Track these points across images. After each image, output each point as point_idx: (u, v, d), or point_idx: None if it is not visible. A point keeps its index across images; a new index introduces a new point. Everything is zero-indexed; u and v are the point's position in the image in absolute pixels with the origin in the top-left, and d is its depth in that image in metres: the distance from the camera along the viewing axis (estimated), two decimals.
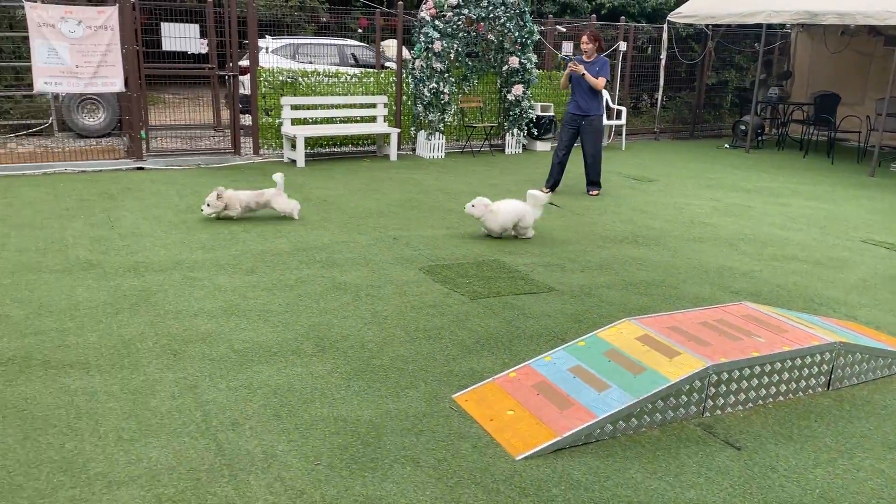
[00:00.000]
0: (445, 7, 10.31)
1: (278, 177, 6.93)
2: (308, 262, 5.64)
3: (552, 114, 11.88)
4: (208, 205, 6.77)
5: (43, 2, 8.33)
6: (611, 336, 3.83)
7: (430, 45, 10.36)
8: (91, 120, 11.15)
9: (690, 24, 13.56)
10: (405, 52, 11.07)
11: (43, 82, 8.34)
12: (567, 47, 12.96)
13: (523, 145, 11.93)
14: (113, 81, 8.63)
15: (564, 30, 13.02)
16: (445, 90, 10.56)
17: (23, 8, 8.21)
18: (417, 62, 10.55)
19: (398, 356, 4.05)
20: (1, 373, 3.67)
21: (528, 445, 3.13)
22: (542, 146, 12.06)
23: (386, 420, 3.37)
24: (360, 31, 17.28)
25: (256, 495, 2.78)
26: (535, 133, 11.88)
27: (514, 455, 3.10)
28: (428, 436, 3.25)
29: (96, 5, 8.84)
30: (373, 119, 10.60)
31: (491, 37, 11.08)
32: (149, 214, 6.93)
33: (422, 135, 10.85)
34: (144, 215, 6.89)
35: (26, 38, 8.36)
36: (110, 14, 8.44)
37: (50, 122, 11.18)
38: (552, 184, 8.68)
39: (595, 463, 3.08)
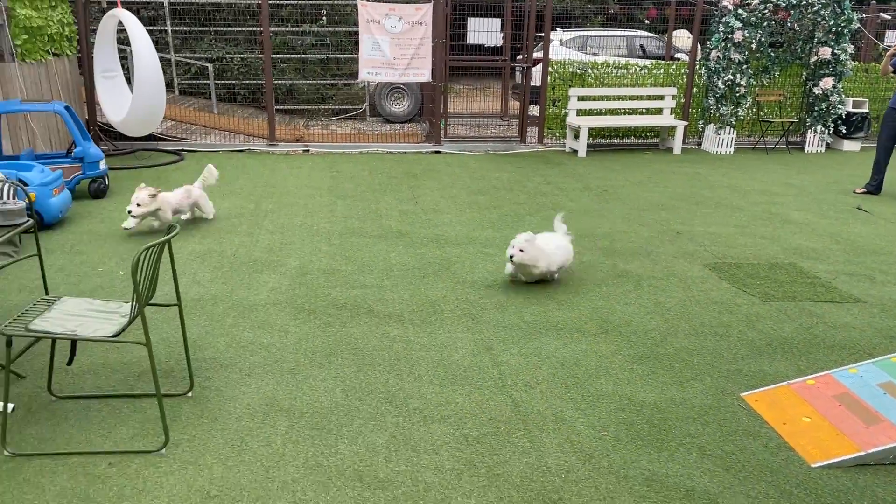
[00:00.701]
0: None
1: (211, 170, 6.38)
2: (590, 249, 5.82)
3: (866, 110, 10.63)
4: (138, 205, 5.65)
5: (371, 0, 9.51)
6: None
7: (729, 35, 9.88)
8: (397, 107, 12.48)
9: None
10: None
11: (366, 72, 9.55)
12: (891, 36, 11.47)
13: (827, 144, 10.85)
14: (422, 72, 9.59)
15: (889, 17, 11.53)
16: (742, 82, 10.01)
17: (354, 6, 9.46)
18: (714, 53, 10.12)
19: (682, 348, 4.06)
20: (337, 315, 4.40)
21: (826, 455, 2.99)
22: (850, 146, 10.85)
23: (671, 406, 3.43)
24: (647, 21, 16.96)
25: (549, 451, 3.04)
26: (844, 131, 10.73)
27: (810, 462, 2.99)
28: (714, 428, 3.25)
29: (414, 3, 9.87)
30: (659, 111, 10.42)
31: (797, 26, 10.22)
32: (446, 194, 7.63)
33: (710, 128, 10.42)
34: (442, 194, 7.61)
35: (349, 33, 9.60)
36: (426, 10, 9.37)
37: (364, 107, 12.74)
38: (875, 186, 7.91)
39: None
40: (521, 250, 4.74)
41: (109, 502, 2.64)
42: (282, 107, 11.95)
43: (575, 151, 10.05)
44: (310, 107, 12.46)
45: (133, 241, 5.72)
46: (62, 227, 6.03)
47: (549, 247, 4.91)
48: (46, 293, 3.93)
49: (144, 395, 3.39)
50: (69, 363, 3.27)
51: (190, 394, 3.42)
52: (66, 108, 6.80)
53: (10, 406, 3.13)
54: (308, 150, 9.85)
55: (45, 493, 2.68)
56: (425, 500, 2.71)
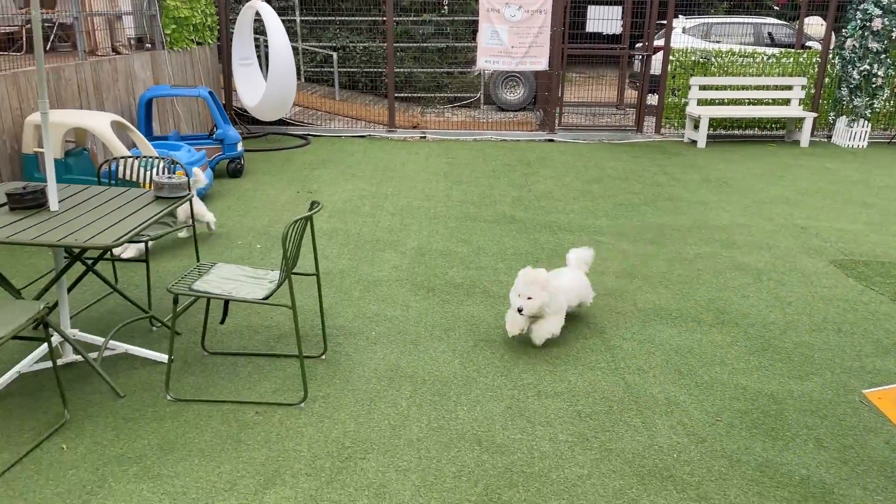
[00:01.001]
0: None
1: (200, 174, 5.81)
2: (707, 240, 5.75)
3: None
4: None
5: None
6: None
7: (867, 24, 9.33)
8: (511, 95, 12.59)
9: None
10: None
11: (484, 60, 9.72)
12: None
13: None
14: (539, 60, 9.66)
15: None
16: (879, 73, 9.43)
17: None
18: (849, 41, 9.59)
19: (802, 342, 4.00)
20: (455, 294, 4.62)
21: None
22: None
23: (788, 398, 3.42)
24: (776, 8, 16.17)
25: (660, 432, 3.13)
26: None
27: None
28: (832, 421, 3.22)
29: None
30: (786, 102, 10.00)
31: None
32: (559, 182, 7.71)
33: (842, 121, 9.89)
34: (556, 182, 7.69)
35: (467, 22, 9.78)
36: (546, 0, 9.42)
37: (478, 96, 12.93)
38: None
39: None
40: (531, 298, 3.73)
41: (257, 445, 2.97)
42: (400, 94, 12.33)
43: (694, 142, 9.82)
44: (426, 94, 12.79)
45: (268, 218, 6.17)
46: (206, 202, 6.59)
47: (562, 281, 4.01)
48: (198, 260, 4.36)
49: (283, 355, 3.73)
50: (222, 322, 3.65)
51: (323, 356, 3.74)
52: (210, 93, 7.37)
53: (166, 357, 3.54)
54: (425, 137, 10.16)
55: (203, 433, 3.04)
56: (540, 467, 2.87)
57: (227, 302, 3.49)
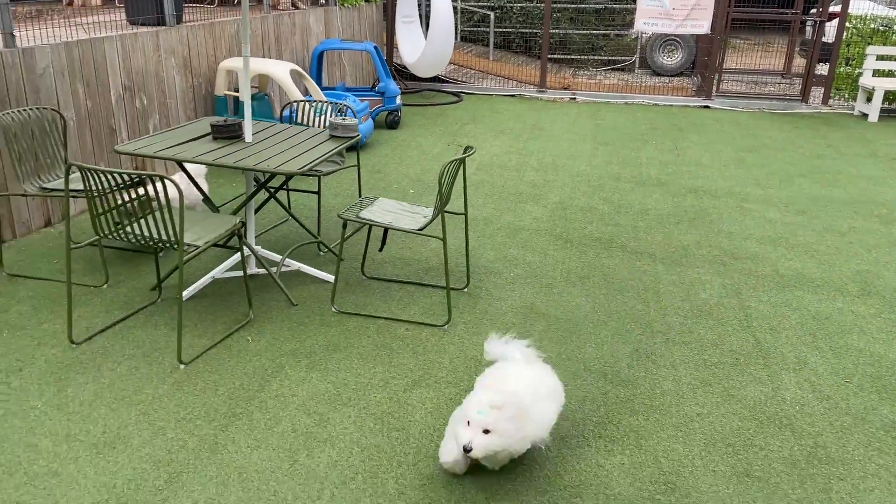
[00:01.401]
0: None
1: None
2: (864, 215, 5.53)
3: None
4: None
5: None
6: None
7: None
8: (668, 59, 12.26)
9: None
10: None
11: (642, 23, 9.58)
12: None
13: None
14: (701, 24, 9.38)
15: None
16: None
17: None
18: None
19: None
20: (592, 247, 4.82)
21: None
22: None
23: None
24: None
25: (786, 386, 3.22)
26: None
27: None
28: None
29: None
30: None
31: None
32: (710, 148, 7.57)
33: None
34: (706, 149, 7.56)
35: None
36: None
37: (633, 59, 12.70)
38: None
39: None
40: (487, 431, 2.38)
41: (406, 353, 3.38)
42: (553, 55, 12.38)
43: (865, 115, 9.20)
44: (580, 56, 12.74)
45: (420, 167, 6.61)
46: (364, 150, 7.14)
47: (532, 401, 2.53)
48: (360, 196, 4.84)
49: (431, 285, 4.13)
50: (380, 250, 4.10)
51: (466, 290, 4.09)
52: (375, 48, 7.88)
53: (332, 277, 4.03)
54: (575, 99, 10.22)
55: (362, 340, 3.50)
56: (661, 402, 3.07)
57: (386, 231, 3.92)
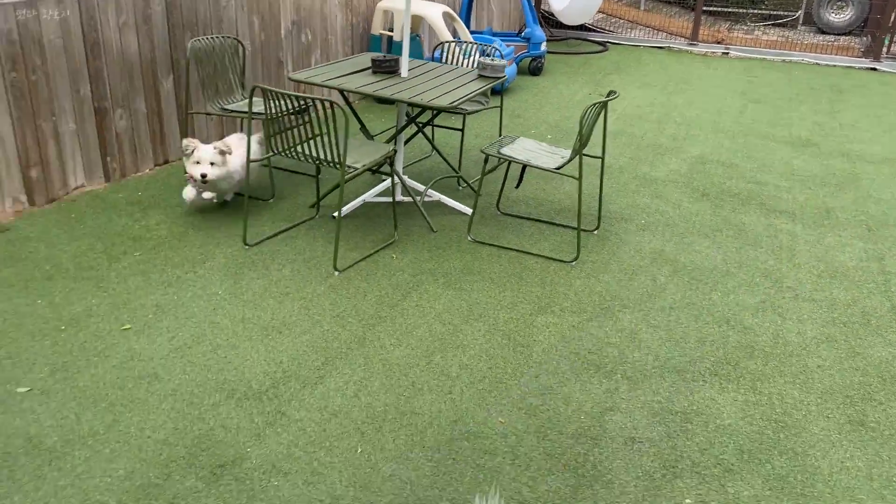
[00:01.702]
0: None
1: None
2: None
3: None
4: (211, 164, 3.91)
5: None
6: None
7: None
8: (837, 17, 11.41)
9: None
10: None
11: None
12: None
13: None
14: None
15: None
16: None
17: None
18: None
19: None
20: (729, 202, 4.80)
21: None
22: None
23: None
24: None
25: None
26: None
27: None
28: None
29: None
30: None
31: None
32: (870, 112, 7.12)
33: None
34: (866, 112, 7.12)
35: None
36: None
37: (797, 15, 11.91)
38: None
39: None
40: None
41: (534, 283, 3.62)
42: (708, 7, 11.84)
43: None
44: (738, 10, 12.11)
45: (560, 114, 6.71)
46: (506, 95, 7.31)
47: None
48: (500, 135, 5.06)
49: (562, 225, 4.32)
50: (517, 186, 4.33)
51: (595, 232, 4.25)
52: None
53: (471, 210, 4.31)
54: (727, 53, 9.81)
55: (494, 266, 3.77)
56: (782, 351, 3.14)
57: (523, 169, 4.13)
